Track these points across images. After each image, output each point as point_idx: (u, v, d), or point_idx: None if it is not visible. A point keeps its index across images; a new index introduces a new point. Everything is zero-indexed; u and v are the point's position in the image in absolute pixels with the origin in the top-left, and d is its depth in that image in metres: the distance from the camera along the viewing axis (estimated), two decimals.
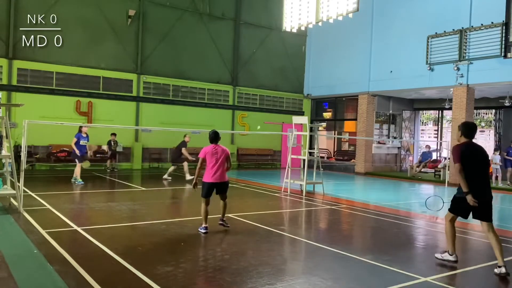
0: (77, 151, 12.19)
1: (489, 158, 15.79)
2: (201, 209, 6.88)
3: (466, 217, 5.55)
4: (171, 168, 14.36)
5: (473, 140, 5.58)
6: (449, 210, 5.64)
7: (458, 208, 5.51)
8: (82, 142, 12.35)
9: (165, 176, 14.09)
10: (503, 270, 5.16)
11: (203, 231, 6.74)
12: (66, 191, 11.09)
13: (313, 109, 23.47)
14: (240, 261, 5.36)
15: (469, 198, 5.24)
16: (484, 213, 5.36)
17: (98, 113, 16.98)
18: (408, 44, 17.90)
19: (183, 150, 13.93)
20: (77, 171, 12.21)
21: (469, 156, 5.34)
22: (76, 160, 12.28)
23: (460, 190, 5.40)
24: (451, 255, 5.53)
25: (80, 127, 12.50)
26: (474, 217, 5.47)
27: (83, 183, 12.05)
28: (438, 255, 5.65)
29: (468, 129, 5.51)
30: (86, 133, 12.50)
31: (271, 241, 6.55)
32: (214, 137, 6.93)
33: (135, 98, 17.99)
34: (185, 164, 14.21)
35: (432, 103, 20.94)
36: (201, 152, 6.94)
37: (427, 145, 19.57)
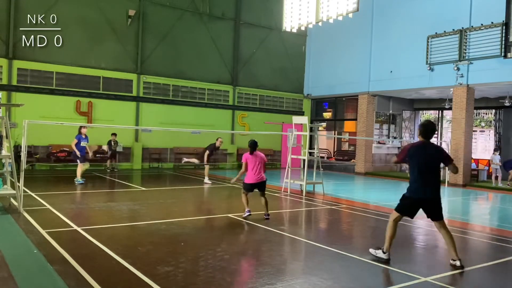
0: (77, 153, 12.20)
1: (489, 158, 15.86)
2: (242, 199, 8.14)
3: (412, 216, 5.74)
4: (207, 169, 13.95)
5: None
6: (396, 209, 5.67)
7: (404, 206, 5.62)
8: (82, 143, 12.34)
9: (206, 180, 13.62)
10: (458, 263, 5.39)
11: (247, 214, 7.93)
12: (66, 191, 11.09)
13: (313, 109, 23.47)
14: (240, 261, 5.36)
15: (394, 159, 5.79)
16: (434, 213, 5.53)
17: (98, 113, 16.97)
18: (408, 44, 17.90)
19: (206, 152, 13.54)
20: (79, 171, 12.23)
21: (416, 156, 5.51)
22: (78, 161, 12.30)
23: (409, 189, 5.58)
24: (384, 253, 5.54)
25: (80, 127, 12.49)
26: (429, 217, 5.62)
27: (82, 182, 12.06)
28: (372, 250, 5.69)
29: (424, 130, 5.61)
30: (85, 134, 12.49)
31: (271, 241, 6.54)
32: (254, 147, 8.08)
33: (135, 98, 17.99)
34: (207, 167, 13.93)
35: (432, 103, 20.94)
36: (243, 158, 8.12)
37: None
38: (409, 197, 5.57)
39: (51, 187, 11.77)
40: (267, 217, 8.03)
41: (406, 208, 5.61)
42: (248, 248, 6.05)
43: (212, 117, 19.59)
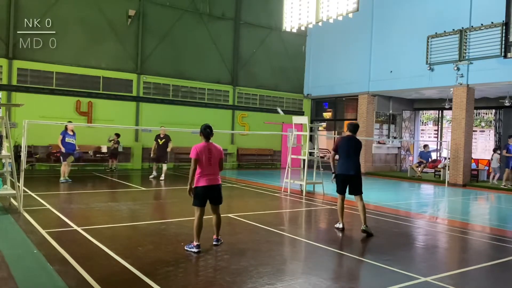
0: (62, 149, 12.33)
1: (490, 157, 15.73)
2: (194, 222, 5.74)
3: (343, 193, 7.45)
4: (165, 167, 14.39)
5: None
6: (337, 191, 7.51)
7: (338, 185, 7.44)
8: (67, 139, 12.37)
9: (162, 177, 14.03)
10: (367, 228, 7.10)
11: (195, 250, 5.57)
12: (66, 191, 11.09)
13: (313, 109, 23.47)
14: (240, 261, 5.36)
15: (333, 177, 7.56)
16: (354, 189, 7.37)
17: (98, 113, 16.97)
18: (408, 44, 17.89)
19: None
20: (63, 170, 12.33)
21: (342, 145, 7.47)
22: (61, 159, 12.47)
23: (339, 169, 7.41)
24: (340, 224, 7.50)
25: (66, 125, 12.58)
26: (349, 193, 7.42)
27: (66, 181, 12.12)
28: (336, 225, 7.54)
29: (354, 128, 7.65)
30: (72, 130, 12.53)
31: (271, 241, 6.54)
32: (209, 133, 5.78)
33: (135, 98, 17.99)
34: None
35: (432, 103, 20.94)
36: (192, 152, 5.65)
37: (425, 145, 19.51)
38: (339, 174, 7.39)
39: (51, 187, 11.76)
40: (216, 243, 5.92)
41: (340, 187, 7.40)
42: (248, 248, 6.04)
43: (212, 117, 19.53)
